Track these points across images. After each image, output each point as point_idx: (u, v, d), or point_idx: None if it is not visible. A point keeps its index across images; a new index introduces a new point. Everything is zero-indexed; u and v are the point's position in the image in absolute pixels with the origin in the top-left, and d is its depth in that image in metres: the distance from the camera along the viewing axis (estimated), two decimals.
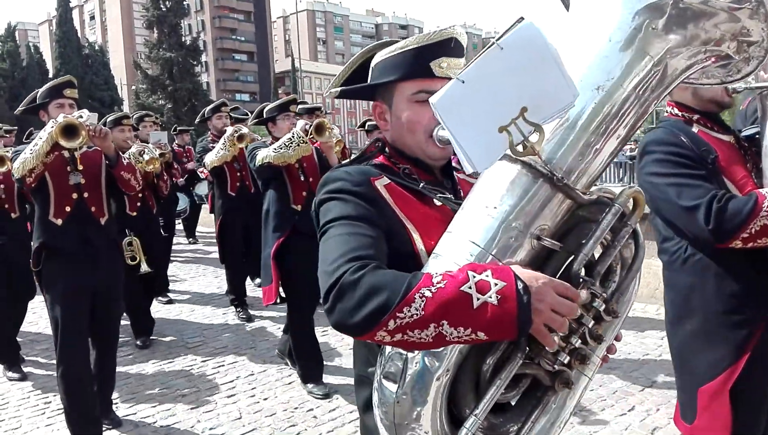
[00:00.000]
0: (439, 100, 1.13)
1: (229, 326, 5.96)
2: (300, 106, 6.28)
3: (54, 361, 4.71)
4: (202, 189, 8.65)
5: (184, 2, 50.49)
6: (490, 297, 1.10)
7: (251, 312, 6.20)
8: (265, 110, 4.80)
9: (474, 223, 1.24)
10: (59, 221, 3.52)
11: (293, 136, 4.17)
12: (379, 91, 1.56)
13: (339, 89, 1.63)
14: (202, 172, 8.26)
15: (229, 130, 5.94)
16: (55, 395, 4.22)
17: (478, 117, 1.11)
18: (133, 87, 50.22)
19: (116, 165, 3.68)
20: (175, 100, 45.68)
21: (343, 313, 1.17)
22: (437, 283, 1.13)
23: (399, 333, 1.13)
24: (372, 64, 1.56)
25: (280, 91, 62.01)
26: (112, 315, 3.82)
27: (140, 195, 5.36)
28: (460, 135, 1.13)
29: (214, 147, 6.07)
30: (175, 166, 7.10)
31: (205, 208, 9.47)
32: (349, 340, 4.95)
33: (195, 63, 49.38)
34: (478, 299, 1.10)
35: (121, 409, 4.12)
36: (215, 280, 7.81)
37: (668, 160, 2.11)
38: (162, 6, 46.70)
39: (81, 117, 3.38)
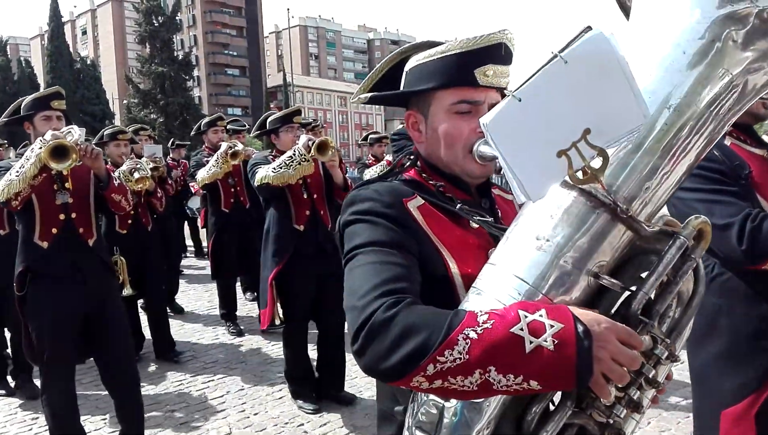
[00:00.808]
0: (491, 121, 0.99)
1: (219, 341, 5.92)
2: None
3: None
4: (194, 202, 8.41)
5: (177, 18, 50.69)
6: (545, 341, 0.96)
7: (241, 327, 6.16)
8: (267, 121, 4.60)
9: (521, 257, 1.10)
10: (45, 244, 3.26)
11: (294, 154, 3.93)
12: (413, 98, 1.40)
13: (368, 95, 1.45)
14: (193, 187, 8.13)
15: (223, 146, 5.75)
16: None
17: (534, 139, 0.97)
18: (125, 101, 50.17)
19: (107, 187, 3.43)
20: (166, 115, 45.68)
21: (376, 357, 1.03)
22: (483, 323, 0.99)
23: (439, 379, 1.00)
24: (406, 68, 1.39)
25: (272, 106, 62.04)
26: (114, 336, 3.47)
27: (132, 212, 5.05)
28: (513, 160, 0.99)
29: (208, 161, 5.90)
30: (169, 182, 6.87)
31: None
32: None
33: (187, 77, 49.48)
34: (531, 343, 0.96)
35: (110, 425, 4.08)
36: (205, 295, 7.75)
37: (699, 174, 1.94)
38: (154, 21, 46.83)
39: (71, 133, 3.13)
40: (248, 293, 7.36)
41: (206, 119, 6.73)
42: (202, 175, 5.77)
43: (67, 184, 3.34)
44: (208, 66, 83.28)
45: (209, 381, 4.83)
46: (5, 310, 4.60)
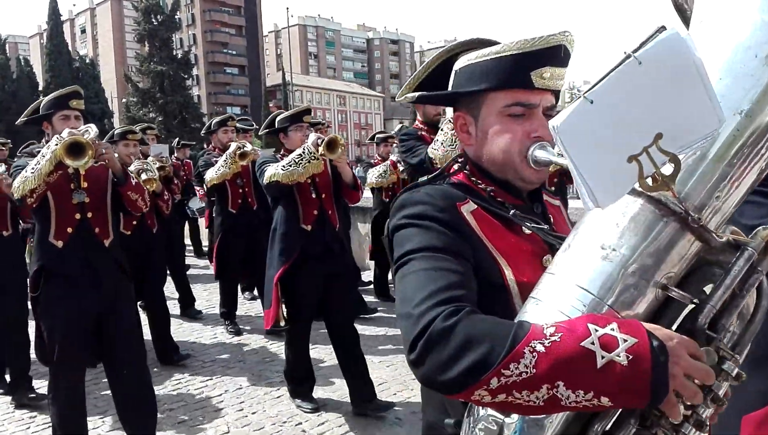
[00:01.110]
0: (562, 124, 0.94)
1: (217, 340, 5.92)
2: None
3: (39, 376, 4.68)
4: (194, 203, 8.23)
5: (176, 16, 50.62)
6: (618, 356, 0.92)
7: (240, 326, 6.16)
8: (276, 120, 4.52)
9: (585, 266, 1.05)
10: (60, 243, 3.24)
11: (304, 152, 3.90)
12: (463, 99, 1.35)
13: (416, 94, 1.40)
14: (198, 190, 8.06)
15: (232, 146, 5.69)
16: (41, 411, 4.17)
17: (604, 144, 0.93)
18: (124, 100, 50.17)
19: (125, 184, 3.42)
20: (165, 114, 45.68)
21: (435, 368, 1.00)
22: (550, 335, 0.95)
23: (503, 393, 0.95)
24: (456, 68, 1.34)
25: (271, 105, 62.12)
26: (126, 338, 3.44)
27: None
28: (583, 165, 0.94)
29: (218, 161, 5.82)
30: (175, 182, 6.76)
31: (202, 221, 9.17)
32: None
33: (186, 76, 49.45)
34: (602, 358, 0.92)
35: (107, 423, 4.08)
36: (204, 294, 7.75)
37: None
38: (153, 20, 46.80)
39: (88, 132, 3.12)
40: (246, 293, 7.36)
41: (216, 118, 6.59)
42: (211, 175, 5.72)
43: (84, 184, 3.31)
44: (207, 65, 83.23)
45: (207, 380, 4.84)
46: (5, 310, 4.52)
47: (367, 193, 6.65)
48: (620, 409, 1.02)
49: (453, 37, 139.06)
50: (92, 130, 3.16)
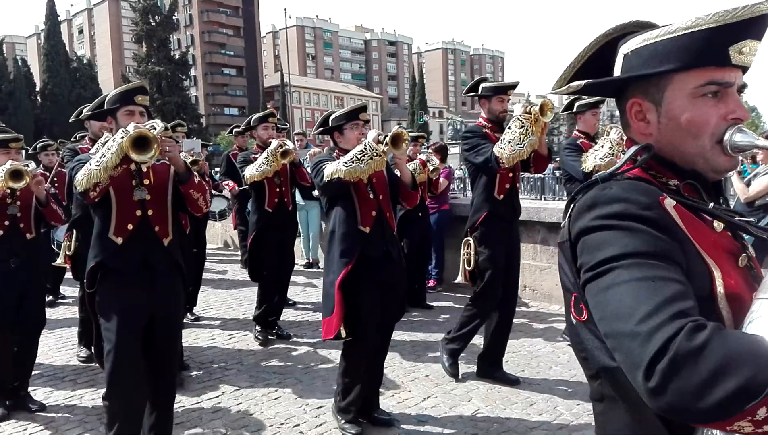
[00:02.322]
0: None
1: (214, 341, 5.91)
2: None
3: (38, 389, 4.56)
4: (215, 205, 7.51)
5: (174, 17, 50.60)
6: None
7: (247, 331, 5.97)
8: (331, 118, 4.20)
9: None
10: (120, 240, 3.18)
11: (365, 148, 3.67)
12: (638, 84, 1.21)
13: (581, 83, 1.25)
14: (226, 184, 7.87)
15: (274, 143, 5.54)
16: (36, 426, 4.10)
17: None
18: None
19: (188, 182, 3.31)
20: (163, 114, 45.60)
21: (684, 394, 0.85)
22: None
23: None
24: (625, 51, 1.21)
25: (269, 106, 62.02)
26: (170, 346, 3.37)
27: None
28: None
29: (256, 158, 5.64)
30: (206, 179, 6.35)
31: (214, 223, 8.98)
32: (336, 355, 4.93)
33: (184, 77, 49.45)
34: None
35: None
36: (200, 295, 7.74)
37: None
38: (151, 21, 46.79)
39: (153, 127, 3.06)
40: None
41: (257, 114, 6.26)
42: (251, 171, 5.56)
43: (146, 181, 3.25)
44: (205, 66, 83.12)
45: (205, 381, 4.82)
46: (25, 316, 4.32)
47: None
48: None
49: (451, 39, 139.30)
50: (158, 125, 3.10)
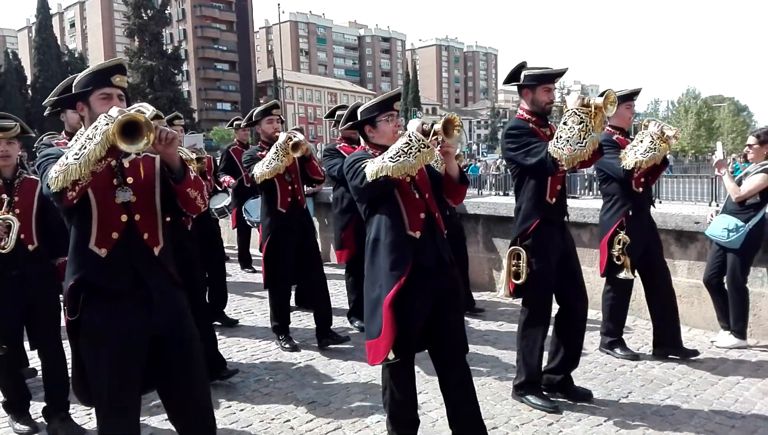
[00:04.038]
0: None
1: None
2: (338, 113, 5.92)
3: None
4: (216, 200, 6.93)
5: (166, 11, 50.32)
6: None
7: (296, 342, 5.55)
8: (359, 111, 3.61)
9: None
10: (103, 252, 2.63)
11: (411, 140, 3.18)
12: None
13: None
14: (224, 181, 7.41)
15: (282, 137, 5.12)
16: None
17: None
18: None
19: (183, 179, 2.68)
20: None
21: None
22: None
23: None
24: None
25: (261, 101, 61.88)
26: (187, 362, 2.75)
27: None
28: None
29: (263, 155, 5.20)
30: (208, 178, 5.93)
31: (226, 223, 8.62)
32: (327, 352, 4.94)
33: (176, 72, 49.20)
34: None
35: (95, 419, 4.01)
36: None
37: None
38: (144, 15, 46.50)
39: (142, 112, 2.45)
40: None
41: (259, 108, 5.81)
42: (261, 170, 5.08)
43: (129, 179, 2.69)
44: (198, 60, 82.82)
45: None
46: (37, 338, 3.96)
47: None
48: None
49: (444, 36, 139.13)
50: (147, 107, 2.52)
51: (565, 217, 4.17)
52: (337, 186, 6.08)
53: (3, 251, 3.57)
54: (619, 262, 4.73)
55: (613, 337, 4.99)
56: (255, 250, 8.24)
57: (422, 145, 3.17)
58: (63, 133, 4.68)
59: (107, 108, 2.53)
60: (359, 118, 3.54)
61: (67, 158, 2.43)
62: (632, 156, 4.52)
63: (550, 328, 4.21)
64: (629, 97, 4.79)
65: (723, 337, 5.13)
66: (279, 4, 55.18)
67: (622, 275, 4.74)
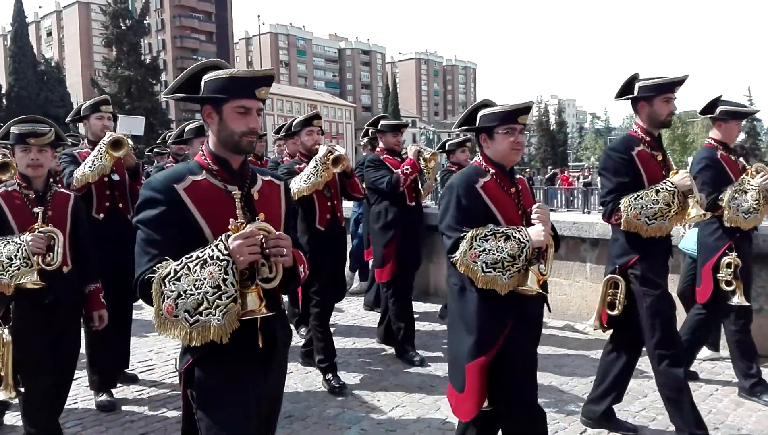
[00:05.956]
0: None
1: None
2: (383, 123, 5.66)
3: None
4: None
5: (145, 21, 50.03)
6: None
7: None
8: (481, 115, 3.02)
9: None
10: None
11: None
12: None
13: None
14: None
15: (322, 150, 4.71)
16: None
17: None
18: None
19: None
20: None
21: None
22: None
23: None
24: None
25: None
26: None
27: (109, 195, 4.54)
28: None
29: (301, 169, 4.78)
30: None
31: None
32: (308, 369, 4.86)
33: (154, 82, 48.72)
34: None
35: (88, 420, 3.98)
36: None
37: None
38: (122, 24, 46.12)
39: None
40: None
41: (299, 118, 5.23)
42: (300, 185, 4.64)
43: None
44: (177, 71, 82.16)
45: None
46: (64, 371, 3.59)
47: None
48: None
49: (424, 49, 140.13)
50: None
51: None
52: (379, 200, 5.56)
53: (50, 268, 3.25)
54: (730, 287, 4.27)
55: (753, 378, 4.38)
56: None
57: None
58: (85, 141, 4.75)
59: (242, 124, 2.21)
60: (481, 124, 2.99)
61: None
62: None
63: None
64: (743, 115, 4.53)
65: None
66: (259, 16, 55.32)
67: (735, 300, 4.28)
